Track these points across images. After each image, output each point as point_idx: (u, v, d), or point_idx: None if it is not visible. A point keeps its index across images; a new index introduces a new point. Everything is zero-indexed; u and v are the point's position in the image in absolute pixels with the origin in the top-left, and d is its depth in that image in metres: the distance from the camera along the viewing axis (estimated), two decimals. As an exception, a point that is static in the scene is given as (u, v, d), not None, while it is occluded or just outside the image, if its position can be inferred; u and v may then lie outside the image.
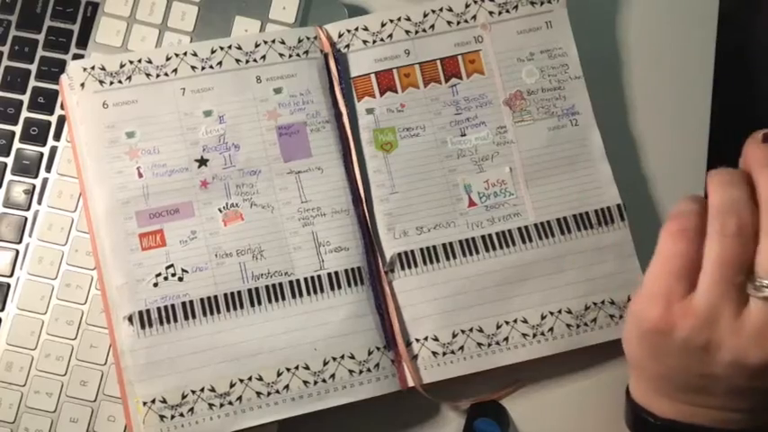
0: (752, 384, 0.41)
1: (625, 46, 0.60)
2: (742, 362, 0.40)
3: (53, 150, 0.57)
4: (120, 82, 0.54)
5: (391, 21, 0.56)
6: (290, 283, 0.53)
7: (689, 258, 0.41)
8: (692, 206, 0.42)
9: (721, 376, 0.41)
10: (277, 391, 0.51)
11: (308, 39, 0.55)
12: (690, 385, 0.43)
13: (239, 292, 0.52)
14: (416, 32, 0.56)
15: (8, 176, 0.57)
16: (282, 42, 0.55)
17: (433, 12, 0.56)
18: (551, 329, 0.53)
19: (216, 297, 0.52)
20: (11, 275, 0.55)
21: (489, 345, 0.53)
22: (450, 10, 0.56)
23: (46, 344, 0.53)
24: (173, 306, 0.51)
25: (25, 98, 0.58)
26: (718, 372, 0.41)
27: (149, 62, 0.54)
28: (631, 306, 0.44)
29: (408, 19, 0.56)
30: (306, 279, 0.53)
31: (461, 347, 0.53)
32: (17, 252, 0.56)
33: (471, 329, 0.53)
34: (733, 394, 0.42)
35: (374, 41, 0.56)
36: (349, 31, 0.56)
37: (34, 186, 0.57)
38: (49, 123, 0.58)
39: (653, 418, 0.45)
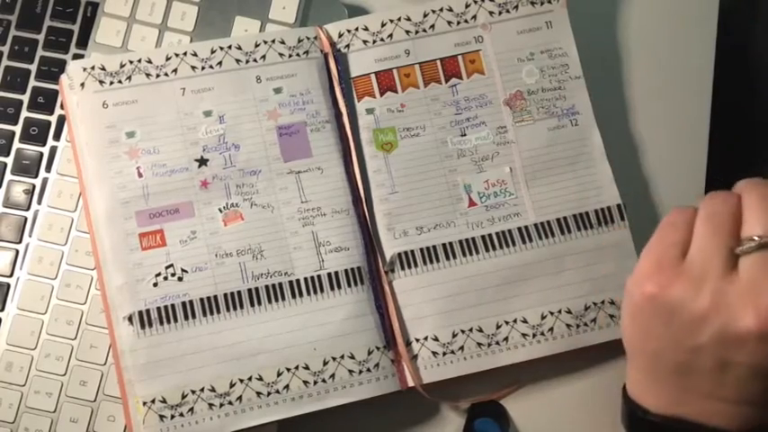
0: (735, 359, 0.40)
1: (625, 46, 0.60)
2: (727, 327, 0.40)
3: (53, 150, 0.57)
4: (120, 82, 0.54)
5: (391, 21, 0.56)
6: (290, 283, 0.53)
7: (682, 230, 0.42)
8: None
9: (707, 347, 0.41)
10: (277, 391, 0.51)
11: (308, 39, 0.55)
12: (679, 364, 0.43)
13: (239, 292, 0.52)
14: (416, 32, 0.56)
15: (8, 176, 0.57)
16: (282, 42, 0.55)
17: (433, 12, 0.56)
18: (551, 329, 0.53)
19: (216, 297, 0.52)
20: (11, 275, 0.55)
21: (489, 345, 0.53)
22: (451, 10, 0.56)
23: (46, 344, 0.53)
24: (173, 306, 0.51)
25: (25, 98, 0.58)
26: (704, 342, 0.41)
27: (149, 62, 0.54)
28: (626, 284, 0.45)
29: (408, 19, 0.56)
30: (306, 279, 0.53)
31: (461, 347, 0.53)
32: (17, 252, 0.56)
33: (471, 329, 0.53)
34: (719, 374, 0.42)
35: (374, 41, 0.56)
36: (349, 31, 0.56)
37: (34, 186, 0.57)
38: (49, 123, 0.58)
39: (643, 413, 0.45)
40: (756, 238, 0.40)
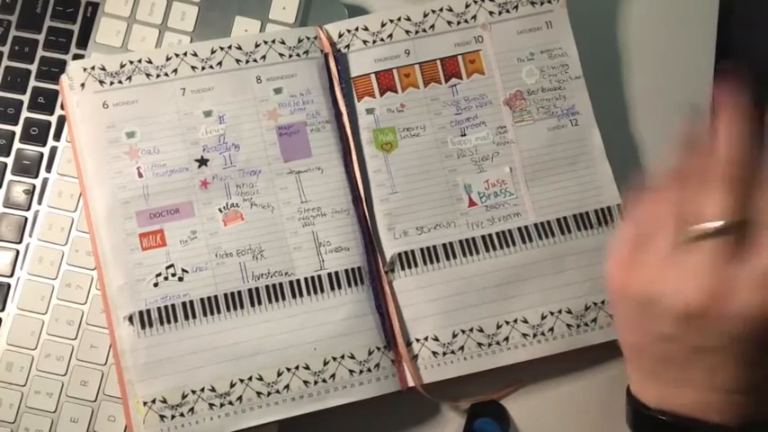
0: (702, 342, 0.41)
1: (625, 46, 0.60)
2: (678, 311, 0.41)
3: (53, 150, 0.57)
4: (120, 82, 0.54)
5: (391, 21, 0.56)
6: (291, 283, 0.53)
7: (632, 224, 0.44)
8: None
9: (673, 335, 0.42)
10: (277, 391, 0.51)
11: (308, 39, 0.55)
12: (657, 356, 0.43)
13: (239, 292, 0.52)
14: (416, 32, 0.56)
15: (8, 176, 0.57)
16: (282, 42, 0.55)
17: (433, 12, 0.56)
18: (551, 329, 0.53)
19: (216, 297, 0.52)
20: (11, 275, 0.55)
21: (489, 345, 0.53)
22: (451, 10, 0.56)
23: (46, 344, 0.53)
24: (173, 306, 0.51)
25: (25, 98, 0.58)
26: (668, 330, 0.42)
27: (149, 62, 0.54)
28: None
29: (408, 19, 0.56)
30: (306, 279, 0.53)
31: (461, 347, 0.53)
32: (17, 252, 0.56)
33: (471, 329, 0.53)
34: (694, 361, 0.42)
35: (374, 41, 0.56)
36: (349, 31, 0.56)
37: (34, 186, 0.57)
38: (49, 123, 0.58)
39: (645, 409, 0.45)
40: (698, 227, 0.41)
